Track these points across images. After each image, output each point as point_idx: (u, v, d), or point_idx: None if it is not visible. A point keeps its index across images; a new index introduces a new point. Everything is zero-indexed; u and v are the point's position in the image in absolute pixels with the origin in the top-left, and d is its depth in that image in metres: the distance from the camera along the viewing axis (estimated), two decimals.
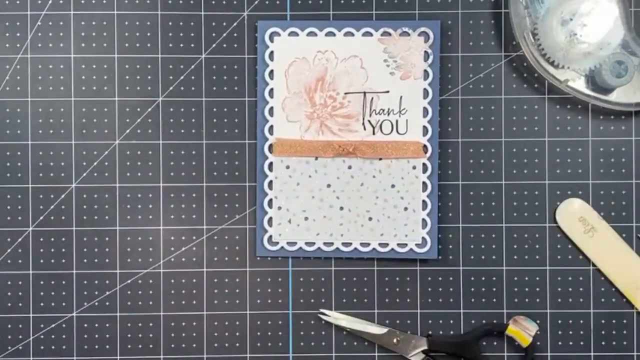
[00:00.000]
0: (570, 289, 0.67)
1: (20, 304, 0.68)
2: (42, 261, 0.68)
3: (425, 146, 0.67)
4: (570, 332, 0.67)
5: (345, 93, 0.67)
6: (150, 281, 0.68)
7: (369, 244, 0.67)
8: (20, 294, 0.68)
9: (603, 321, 0.67)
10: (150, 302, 0.68)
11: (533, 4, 0.65)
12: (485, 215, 0.68)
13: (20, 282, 0.68)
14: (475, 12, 0.68)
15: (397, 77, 0.67)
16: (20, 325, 0.68)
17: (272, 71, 0.68)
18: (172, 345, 0.68)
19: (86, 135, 0.68)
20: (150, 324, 0.68)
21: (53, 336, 0.68)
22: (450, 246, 0.68)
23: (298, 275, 0.68)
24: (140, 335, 0.68)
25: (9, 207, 0.68)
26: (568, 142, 0.68)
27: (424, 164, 0.67)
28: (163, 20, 0.68)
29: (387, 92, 0.67)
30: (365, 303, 0.68)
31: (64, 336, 0.68)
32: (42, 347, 0.68)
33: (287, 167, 0.68)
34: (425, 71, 0.67)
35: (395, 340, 0.67)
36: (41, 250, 0.68)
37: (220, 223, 0.68)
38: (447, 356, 0.67)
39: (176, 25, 0.68)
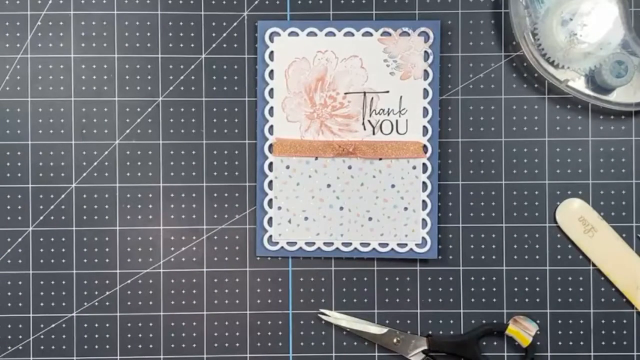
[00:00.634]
0: (570, 289, 0.67)
1: (20, 304, 0.68)
2: (42, 261, 0.68)
3: (425, 146, 0.67)
4: (570, 332, 0.67)
5: (345, 93, 0.67)
6: (150, 281, 0.68)
7: (369, 244, 0.67)
8: (20, 294, 0.68)
9: (603, 321, 0.67)
10: (150, 302, 0.68)
11: (533, 4, 0.65)
12: (485, 215, 0.68)
13: (20, 282, 0.68)
14: (475, 12, 0.68)
15: (397, 77, 0.67)
16: (20, 325, 0.68)
17: (272, 71, 0.68)
18: (172, 345, 0.68)
19: (86, 135, 0.68)
20: (150, 324, 0.68)
21: (53, 336, 0.68)
22: (450, 246, 0.68)
23: (298, 275, 0.68)
24: (140, 335, 0.68)
25: (9, 207, 0.68)
26: (568, 142, 0.68)
27: (424, 164, 0.67)
28: (163, 20, 0.68)
29: (387, 92, 0.67)
30: (365, 303, 0.68)
31: (64, 336, 0.68)
32: (42, 347, 0.68)
33: (287, 167, 0.68)
34: (425, 71, 0.67)
35: (395, 340, 0.67)
36: (41, 250, 0.68)
37: (220, 223, 0.68)
38: (447, 356, 0.67)
39: (176, 25, 0.68)
